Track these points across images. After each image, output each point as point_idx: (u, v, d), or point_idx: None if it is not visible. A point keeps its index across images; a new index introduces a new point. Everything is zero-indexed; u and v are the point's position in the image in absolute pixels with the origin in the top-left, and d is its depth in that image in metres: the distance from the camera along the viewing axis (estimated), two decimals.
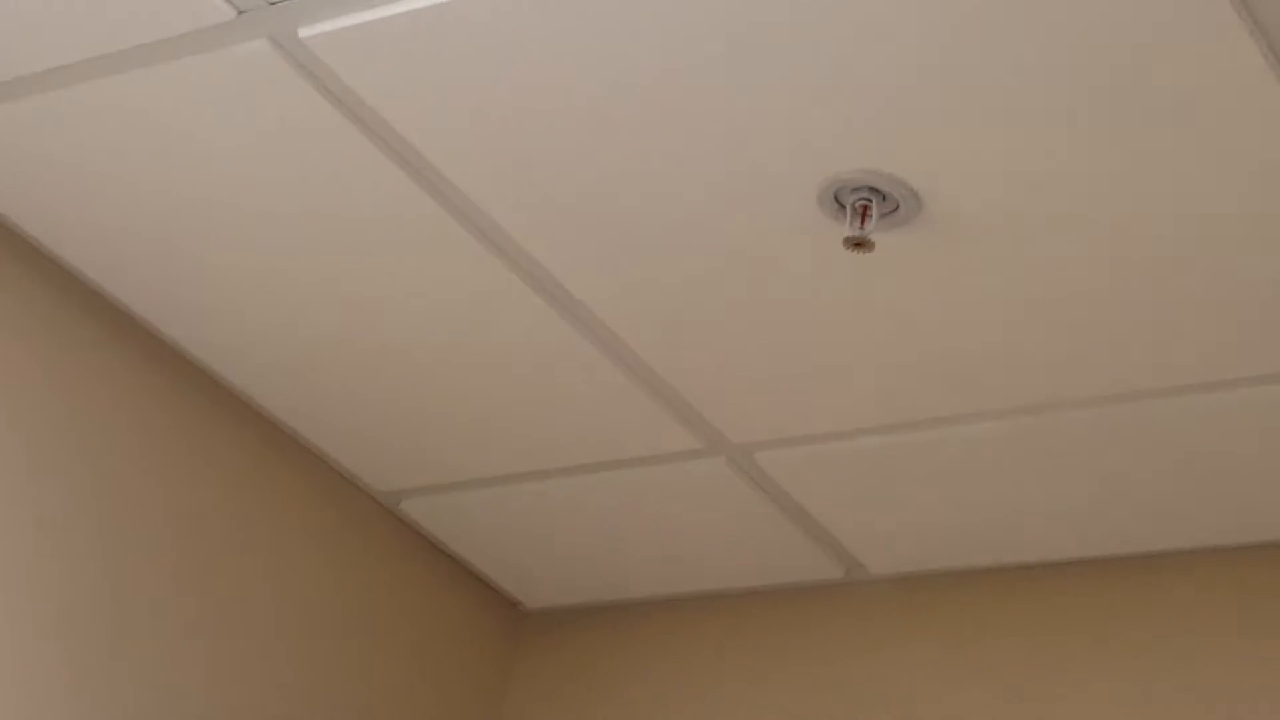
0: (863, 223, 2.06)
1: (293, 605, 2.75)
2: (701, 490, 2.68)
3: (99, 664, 2.46)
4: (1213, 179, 1.96)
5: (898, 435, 2.49)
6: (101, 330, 2.52)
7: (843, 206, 2.08)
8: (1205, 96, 1.86)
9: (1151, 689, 2.57)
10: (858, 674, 2.81)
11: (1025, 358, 2.30)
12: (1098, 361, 2.28)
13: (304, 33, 1.99)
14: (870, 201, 2.06)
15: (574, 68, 1.96)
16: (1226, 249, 2.06)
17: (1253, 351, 2.20)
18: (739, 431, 2.55)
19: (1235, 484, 2.46)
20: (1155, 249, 2.08)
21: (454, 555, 3.00)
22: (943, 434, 2.47)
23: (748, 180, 2.08)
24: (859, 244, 2.06)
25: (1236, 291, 2.12)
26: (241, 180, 2.22)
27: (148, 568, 2.53)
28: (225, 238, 2.32)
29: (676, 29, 1.90)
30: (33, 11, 2.02)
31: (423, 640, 2.95)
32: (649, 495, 2.72)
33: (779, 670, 2.88)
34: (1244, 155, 1.93)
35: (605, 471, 2.69)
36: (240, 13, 1.98)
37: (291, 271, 2.37)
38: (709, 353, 2.39)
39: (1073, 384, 2.33)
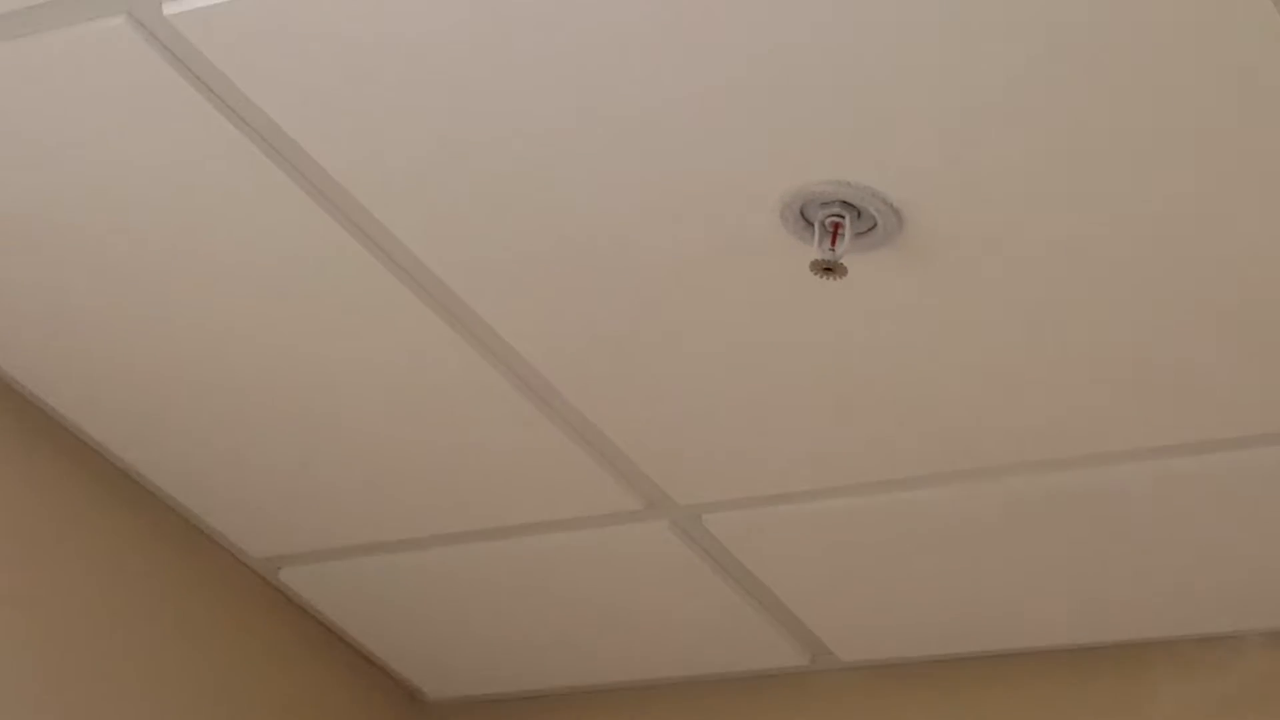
0: (834, 243, 2.05)
1: (155, 691, 2.73)
2: (640, 558, 2.68)
3: None
4: (1243, 198, 1.96)
5: (871, 497, 2.48)
6: None
7: (810, 224, 2.07)
8: (1230, 102, 1.86)
9: None
10: None
11: (1023, 406, 2.29)
12: (1109, 412, 2.27)
13: (169, 9, 1.98)
14: (843, 218, 2.04)
15: (492, 62, 1.95)
16: (1258, 280, 2.05)
17: None
18: (684, 490, 2.54)
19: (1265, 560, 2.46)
20: (1179, 279, 2.07)
21: (343, 634, 3.00)
22: (924, 497, 2.46)
23: (698, 193, 2.06)
24: (829, 268, 2.04)
25: (1268, 331, 2.11)
26: (97, 175, 2.20)
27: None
28: (72, 255, 2.30)
29: (612, 17, 1.88)
30: None
31: None
32: (578, 564, 2.71)
33: None
34: (1269, 170, 1.93)
35: (526, 536, 2.68)
36: None
37: (144, 299, 2.35)
38: (650, 398, 2.38)
39: (1079, 439, 2.33)
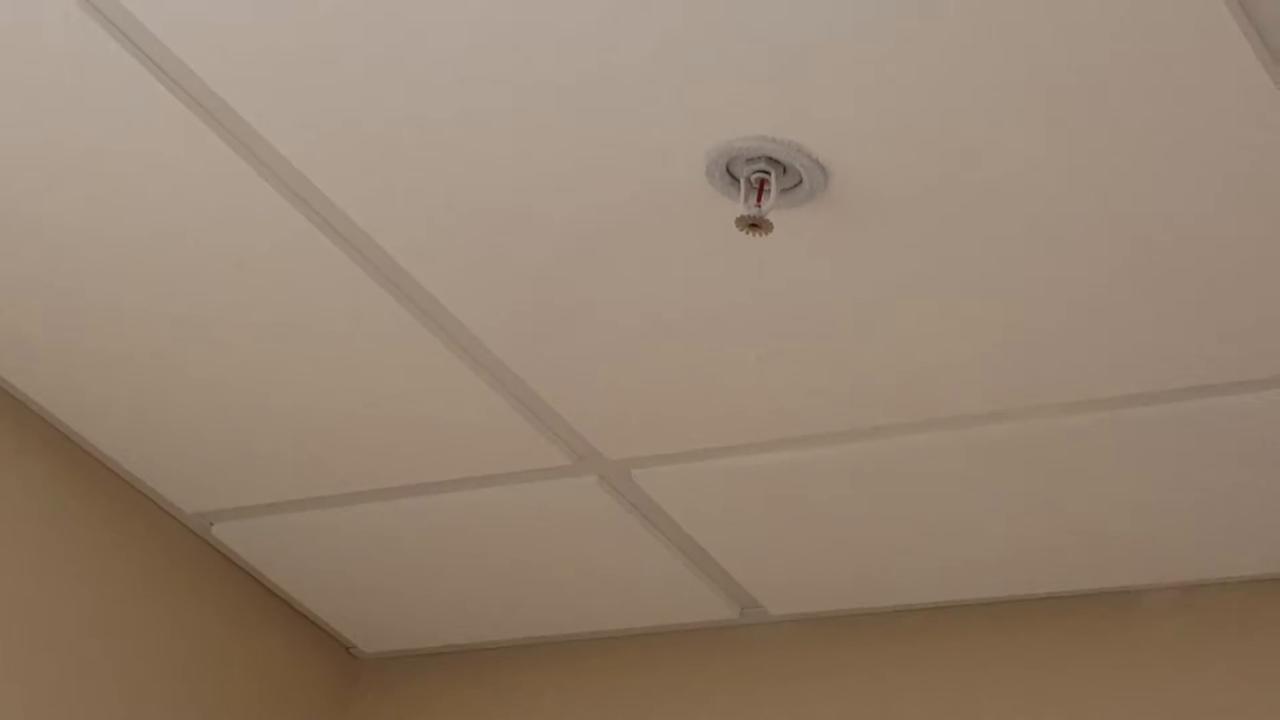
0: (759, 199, 2.04)
1: (93, 645, 2.73)
2: (570, 514, 2.67)
3: None
4: (1169, 144, 1.95)
5: (799, 451, 2.48)
6: None
7: (736, 180, 2.06)
8: (1160, 49, 1.85)
9: None
10: None
11: (949, 360, 2.29)
12: (1033, 364, 2.27)
13: None
14: (768, 174, 2.04)
15: (417, 23, 1.93)
16: (1189, 231, 2.05)
17: (1226, 355, 2.21)
18: (613, 445, 2.54)
19: (1201, 513, 2.47)
20: (1107, 229, 2.07)
21: (276, 590, 2.99)
22: (851, 450, 2.46)
23: (622, 148, 2.06)
24: (755, 224, 2.04)
25: (1204, 283, 2.12)
26: (27, 130, 2.17)
27: None
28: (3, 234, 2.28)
29: None
30: None
31: (242, 689, 2.93)
32: (507, 520, 2.71)
33: None
34: (1211, 113, 1.92)
35: (455, 491, 2.67)
36: None
37: (70, 260, 2.33)
38: (577, 353, 2.37)
39: (1005, 391, 2.32)
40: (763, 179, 2.05)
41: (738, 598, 2.84)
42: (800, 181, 2.05)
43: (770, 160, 2.03)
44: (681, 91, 1.97)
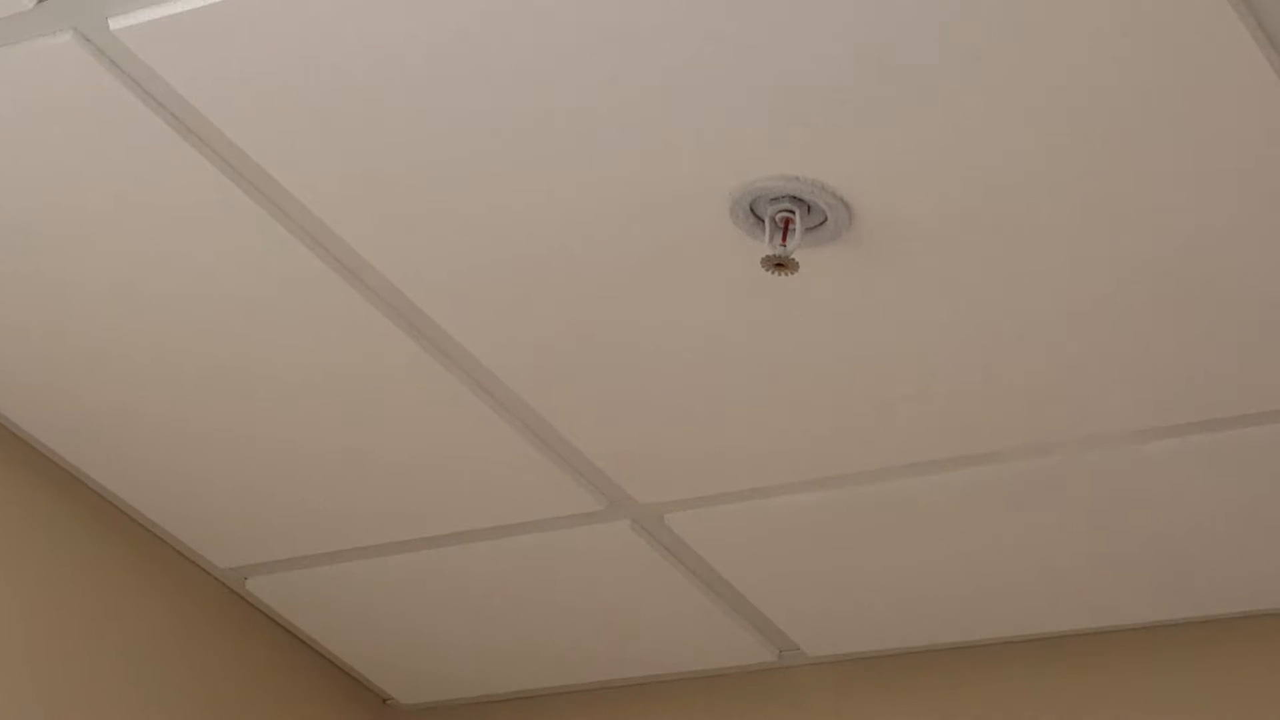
0: (784, 239, 2.04)
1: (128, 702, 2.71)
2: (603, 559, 2.66)
3: None
4: (1205, 181, 1.95)
5: (833, 491, 2.47)
6: None
7: (761, 220, 2.06)
8: (1193, 86, 1.85)
9: None
10: None
11: (980, 397, 2.28)
12: (1068, 399, 2.26)
13: (115, 24, 1.96)
14: (793, 213, 2.03)
15: (444, 71, 1.93)
16: (1226, 264, 2.05)
17: (1257, 385, 2.19)
18: (645, 489, 2.53)
19: (1237, 545, 2.46)
20: (1136, 260, 2.06)
21: (311, 643, 2.98)
22: (885, 489, 2.45)
23: (646, 190, 2.05)
24: (780, 264, 2.03)
25: (1238, 315, 2.11)
26: (48, 185, 2.18)
27: None
28: (27, 273, 2.28)
29: (559, 18, 1.86)
30: None
31: None
32: (541, 567, 2.70)
33: None
34: (1243, 150, 1.91)
35: (487, 540, 2.66)
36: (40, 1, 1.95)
37: (102, 316, 2.33)
38: (605, 397, 2.37)
39: (1038, 427, 2.32)
40: (787, 218, 2.04)
41: (775, 640, 2.82)
42: (825, 220, 2.05)
43: (794, 199, 2.03)
44: (703, 132, 1.97)
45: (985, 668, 2.75)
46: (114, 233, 2.21)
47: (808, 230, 2.05)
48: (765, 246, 2.05)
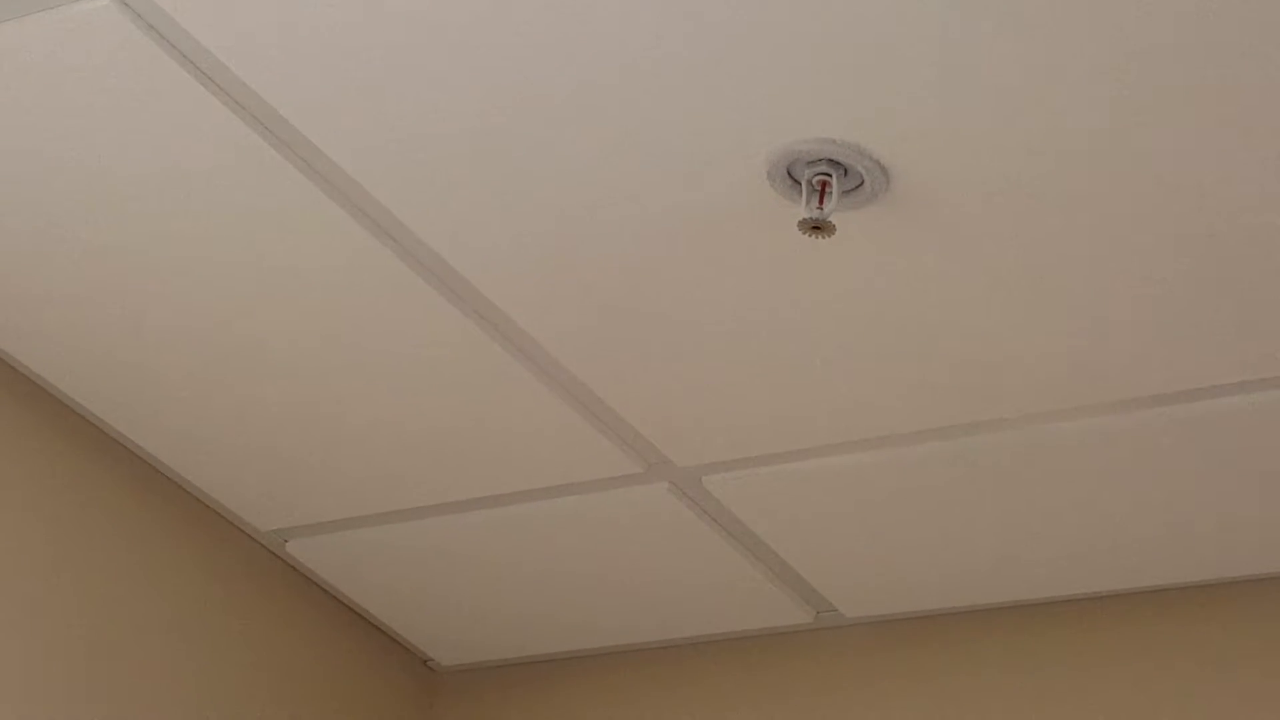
0: (821, 202, 2.03)
1: (169, 663, 2.73)
2: (642, 521, 2.67)
3: None
4: (1246, 149, 1.94)
5: (869, 453, 2.47)
6: None
7: (798, 183, 2.05)
8: (1235, 53, 1.84)
9: None
10: None
11: (1016, 359, 2.27)
12: (1105, 363, 2.26)
13: None
14: (830, 177, 2.03)
15: (484, 33, 1.92)
16: (1260, 233, 2.03)
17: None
18: (683, 452, 2.53)
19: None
20: (1178, 233, 2.05)
21: (352, 605, 2.99)
22: (923, 451, 2.45)
23: (684, 153, 2.05)
24: (817, 227, 2.03)
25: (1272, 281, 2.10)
26: (90, 151, 2.18)
27: (13, 615, 2.53)
28: (68, 237, 2.28)
29: None
30: None
31: (320, 704, 2.93)
32: (580, 529, 2.70)
33: None
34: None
35: (527, 503, 2.67)
36: None
37: (141, 280, 2.33)
38: (644, 359, 2.37)
39: (1074, 390, 2.31)
40: (824, 181, 2.04)
41: (812, 602, 2.83)
42: (862, 183, 2.04)
43: (831, 162, 2.02)
44: (741, 95, 1.96)
45: (1021, 629, 2.75)
46: (151, 196, 2.22)
47: (844, 194, 2.05)
48: (802, 210, 2.04)
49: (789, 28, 1.88)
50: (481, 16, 1.92)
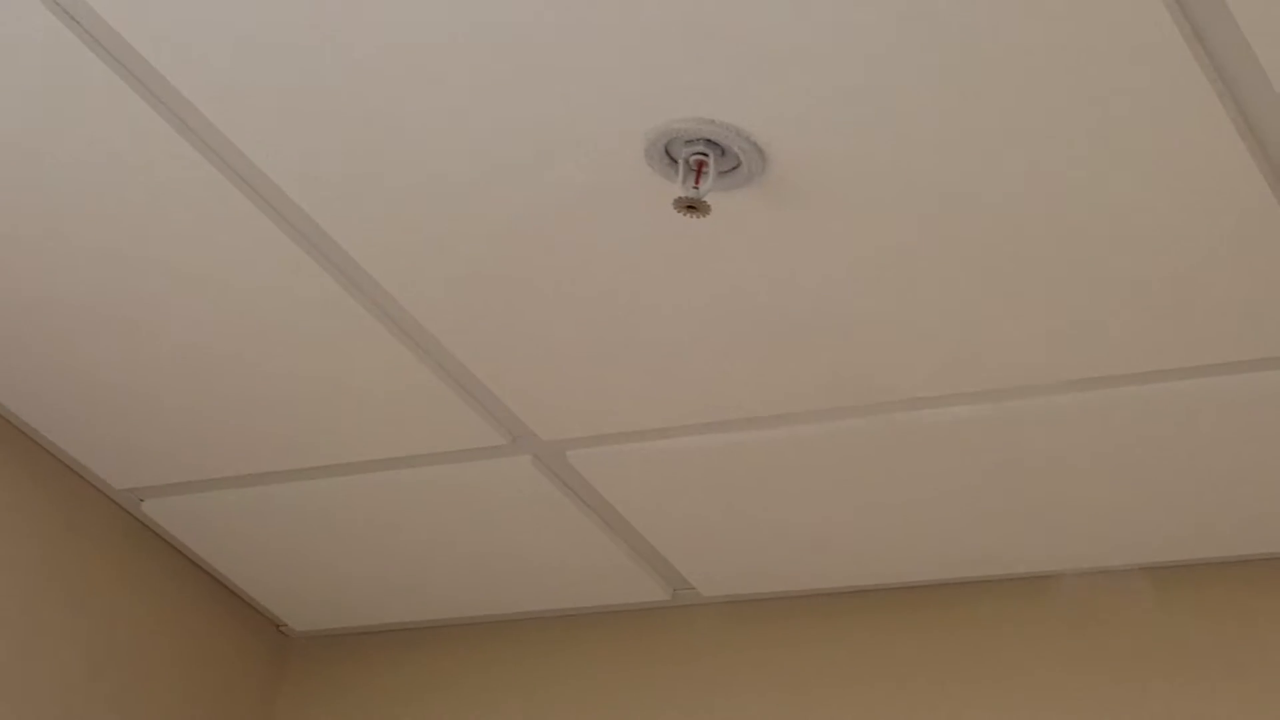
0: (697, 181, 2.03)
1: (16, 622, 2.70)
2: (503, 494, 2.66)
3: None
4: (1111, 140, 1.95)
5: (732, 434, 2.47)
6: None
7: (675, 162, 2.05)
8: (1102, 42, 1.85)
9: None
10: (685, 708, 2.82)
11: (884, 345, 2.28)
12: (972, 350, 2.27)
13: None
14: (707, 156, 2.02)
15: (357, 7, 1.92)
16: (1128, 226, 2.05)
17: (1166, 342, 2.20)
18: (548, 426, 2.53)
19: (1130, 497, 2.48)
20: (1049, 218, 2.06)
21: (206, 567, 2.97)
22: (784, 435, 2.46)
23: (562, 130, 2.04)
24: (692, 206, 2.03)
25: (1141, 275, 2.11)
26: None
27: None
28: None
29: None
30: None
31: (171, 666, 2.91)
32: (441, 499, 2.69)
33: (596, 705, 2.88)
34: (1147, 114, 1.92)
35: (389, 470, 2.65)
36: None
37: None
38: (513, 333, 2.35)
39: (941, 377, 2.32)
40: (701, 161, 2.03)
41: (670, 579, 2.83)
42: (739, 164, 2.04)
43: (709, 142, 2.02)
44: (621, 72, 1.96)
45: (875, 612, 2.77)
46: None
47: (721, 174, 2.05)
48: (678, 188, 2.04)
49: (670, 7, 1.87)
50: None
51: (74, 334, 2.47)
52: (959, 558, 2.66)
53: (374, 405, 2.53)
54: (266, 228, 2.24)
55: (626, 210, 2.13)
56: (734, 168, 2.04)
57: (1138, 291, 2.13)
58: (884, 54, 1.89)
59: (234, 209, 2.22)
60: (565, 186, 2.11)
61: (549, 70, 1.97)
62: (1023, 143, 1.96)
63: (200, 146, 2.15)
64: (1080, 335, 2.21)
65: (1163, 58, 1.84)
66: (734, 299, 2.24)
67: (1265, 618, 2.54)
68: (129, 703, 2.84)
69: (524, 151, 2.07)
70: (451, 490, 2.67)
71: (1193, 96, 1.87)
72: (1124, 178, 1.99)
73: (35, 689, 2.72)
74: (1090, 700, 2.59)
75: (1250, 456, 2.35)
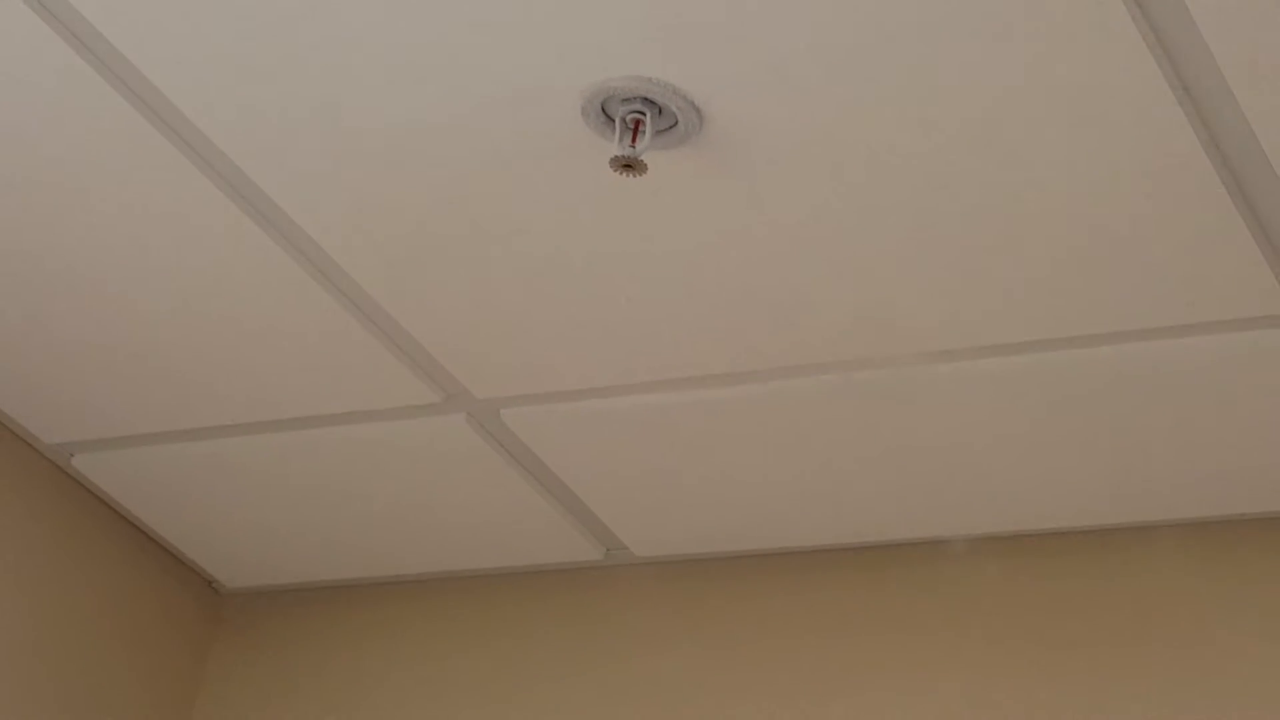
0: (634, 140, 2.02)
1: None
2: (437, 452, 2.65)
3: None
4: (1051, 102, 1.95)
5: (666, 395, 2.47)
6: None
7: (612, 120, 2.04)
8: (1044, 13, 1.85)
9: (938, 687, 2.62)
10: (616, 667, 2.83)
11: (820, 305, 2.28)
12: (908, 312, 2.27)
13: None
14: (644, 115, 2.02)
15: None
16: (1066, 189, 2.05)
17: (1094, 307, 2.21)
18: (482, 384, 2.52)
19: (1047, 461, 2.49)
20: (986, 183, 2.06)
21: (138, 524, 2.95)
22: (717, 396, 2.45)
23: (498, 87, 2.02)
24: (629, 165, 2.02)
25: (1073, 240, 2.11)
26: None
27: None
28: None
29: None
30: None
31: (102, 622, 2.90)
32: (374, 457, 2.68)
33: (525, 665, 2.88)
34: (1085, 76, 1.92)
35: (321, 427, 2.64)
36: None
37: None
38: (449, 291, 2.34)
39: (876, 338, 2.32)
40: (638, 119, 2.03)
41: (603, 539, 2.83)
42: (676, 123, 2.03)
43: (646, 101, 2.01)
44: (558, 29, 1.94)
45: (807, 574, 2.77)
46: None
47: (658, 133, 2.04)
48: (615, 147, 2.03)
49: None
50: None
51: (6, 289, 2.45)
52: (887, 521, 2.67)
53: (308, 362, 2.51)
54: (198, 180, 2.22)
55: (563, 168, 2.12)
56: (671, 126, 2.04)
57: (1067, 255, 2.13)
58: (822, 15, 1.88)
59: (163, 160, 2.20)
60: (502, 144, 2.10)
61: (486, 27, 1.95)
62: (952, 104, 1.96)
63: (127, 95, 2.12)
64: (1005, 300, 2.21)
65: (1102, 17, 1.84)
66: (669, 259, 2.24)
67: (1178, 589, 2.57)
68: (60, 658, 2.82)
69: (460, 108, 2.06)
70: (385, 448, 2.66)
71: (1125, 46, 1.87)
72: (1052, 136, 1.99)
73: None
74: (1019, 665, 2.60)
75: (1177, 421, 2.36)
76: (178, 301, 2.43)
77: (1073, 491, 2.53)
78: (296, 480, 2.77)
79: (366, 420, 2.62)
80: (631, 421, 2.53)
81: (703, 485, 2.64)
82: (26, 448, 2.80)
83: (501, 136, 2.09)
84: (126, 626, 2.94)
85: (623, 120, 2.03)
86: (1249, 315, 2.17)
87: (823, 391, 2.41)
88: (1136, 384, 2.31)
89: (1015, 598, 2.65)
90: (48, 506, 2.84)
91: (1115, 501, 2.54)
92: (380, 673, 2.96)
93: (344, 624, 3.02)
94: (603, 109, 2.03)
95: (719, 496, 2.66)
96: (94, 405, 2.67)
